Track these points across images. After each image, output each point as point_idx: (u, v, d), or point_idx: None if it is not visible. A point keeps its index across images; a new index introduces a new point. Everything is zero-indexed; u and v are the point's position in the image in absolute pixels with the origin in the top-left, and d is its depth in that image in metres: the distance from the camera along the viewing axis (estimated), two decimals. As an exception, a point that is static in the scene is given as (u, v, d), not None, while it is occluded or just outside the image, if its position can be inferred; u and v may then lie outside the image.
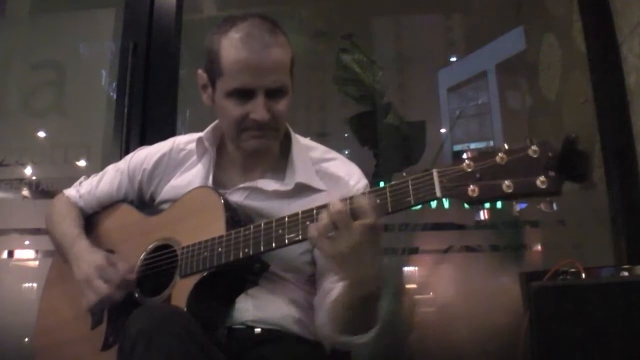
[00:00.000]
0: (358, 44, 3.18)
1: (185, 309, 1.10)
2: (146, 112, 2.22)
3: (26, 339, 2.02)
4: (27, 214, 2.27)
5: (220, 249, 1.12)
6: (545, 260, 2.56)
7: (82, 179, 1.52)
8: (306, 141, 1.38)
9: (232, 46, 1.18)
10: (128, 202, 1.42)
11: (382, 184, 0.98)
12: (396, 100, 3.30)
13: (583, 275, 1.41)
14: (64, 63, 2.64)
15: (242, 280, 1.18)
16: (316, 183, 1.27)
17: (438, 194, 0.90)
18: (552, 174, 0.81)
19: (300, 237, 1.05)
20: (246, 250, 1.10)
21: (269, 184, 1.28)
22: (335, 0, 3.54)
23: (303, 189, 1.26)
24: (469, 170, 0.88)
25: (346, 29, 3.32)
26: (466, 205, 0.90)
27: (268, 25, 1.19)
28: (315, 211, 1.02)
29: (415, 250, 2.39)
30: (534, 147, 0.83)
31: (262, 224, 1.10)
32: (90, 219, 1.45)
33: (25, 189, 2.50)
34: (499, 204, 0.90)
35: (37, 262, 2.35)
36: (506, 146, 0.86)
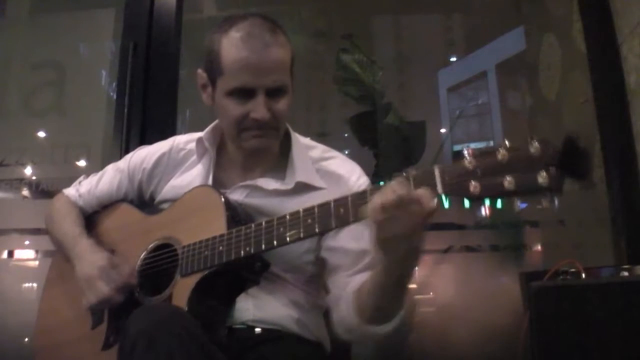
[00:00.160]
0: (358, 44, 3.18)
1: (186, 309, 1.10)
2: (146, 112, 2.22)
3: (26, 339, 2.02)
4: (27, 214, 2.27)
5: (221, 248, 1.12)
6: (545, 260, 2.57)
7: (81, 178, 1.52)
8: (306, 140, 1.38)
9: (232, 45, 1.17)
10: (128, 202, 1.42)
11: (382, 184, 0.98)
12: (396, 100, 3.30)
13: (583, 275, 1.41)
14: (64, 63, 2.65)
15: (242, 280, 1.18)
16: (316, 181, 1.27)
17: (440, 190, 0.90)
18: (553, 170, 0.81)
19: (301, 235, 1.05)
20: (247, 248, 1.10)
21: (270, 183, 1.28)
22: (335, 0, 3.55)
23: (303, 188, 1.26)
24: (470, 167, 0.88)
25: (346, 29, 3.32)
26: (467, 204, 0.90)
27: (268, 25, 1.19)
28: (368, 193, 0.97)
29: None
30: (535, 144, 0.83)
31: (263, 223, 1.10)
32: (90, 219, 1.44)
33: (25, 189, 2.50)
34: (499, 204, 0.90)
35: (37, 262, 2.35)
36: (507, 143, 0.86)
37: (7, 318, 2.17)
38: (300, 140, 1.35)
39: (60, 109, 2.61)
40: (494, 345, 2.11)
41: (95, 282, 1.20)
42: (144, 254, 1.27)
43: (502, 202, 0.88)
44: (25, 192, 2.50)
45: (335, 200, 1.01)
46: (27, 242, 2.33)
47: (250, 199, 1.27)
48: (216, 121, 1.33)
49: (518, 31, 3.32)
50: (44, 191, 2.46)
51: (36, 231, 2.23)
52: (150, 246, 1.27)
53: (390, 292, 1.04)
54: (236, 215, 1.19)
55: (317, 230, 1.03)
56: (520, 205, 0.89)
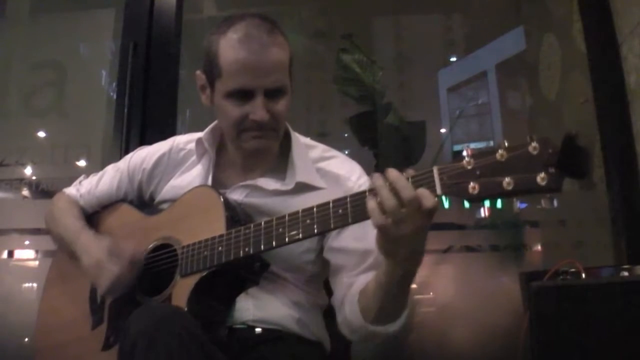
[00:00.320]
0: (358, 44, 3.18)
1: (185, 309, 1.10)
2: (146, 112, 2.22)
3: (26, 339, 2.03)
4: (27, 214, 2.27)
5: (220, 248, 1.12)
6: (545, 260, 2.56)
7: (81, 178, 1.52)
8: (306, 140, 1.37)
9: (230, 47, 1.17)
10: (128, 202, 1.42)
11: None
12: (396, 100, 3.30)
13: (583, 275, 1.41)
14: (64, 63, 2.65)
15: (242, 280, 1.18)
16: (317, 182, 1.27)
17: (439, 191, 0.90)
18: (552, 170, 0.81)
19: (300, 235, 1.05)
20: (247, 249, 1.10)
21: (270, 183, 1.28)
22: (335, 0, 3.55)
23: (303, 188, 1.26)
24: (469, 167, 0.87)
25: (346, 29, 3.32)
26: (466, 203, 0.89)
27: (266, 26, 1.19)
28: (367, 194, 0.96)
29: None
30: (534, 144, 0.83)
31: (263, 223, 1.10)
32: (90, 219, 1.44)
33: (25, 189, 2.50)
34: (499, 204, 0.90)
35: (37, 262, 2.35)
36: (506, 143, 0.85)
37: (7, 318, 2.17)
38: (300, 140, 1.34)
39: (60, 109, 2.61)
40: (494, 345, 2.11)
41: (105, 264, 1.20)
42: (143, 254, 1.27)
43: (502, 202, 0.89)
44: (25, 192, 2.50)
45: (334, 201, 1.01)
46: (27, 242, 2.33)
47: (250, 199, 1.27)
48: (215, 122, 1.33)
49: (518, 31, 3.32)
50: (44, 191, 2.46)
51: (36, 231, 2.23)
52: (150, 246, 1.27)
53: (393, 292, 1.04)
54: (235, 215, 1.18)
55: (316, 230, 1.03)
56: (520, 205, 0.89)
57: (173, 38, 2.31)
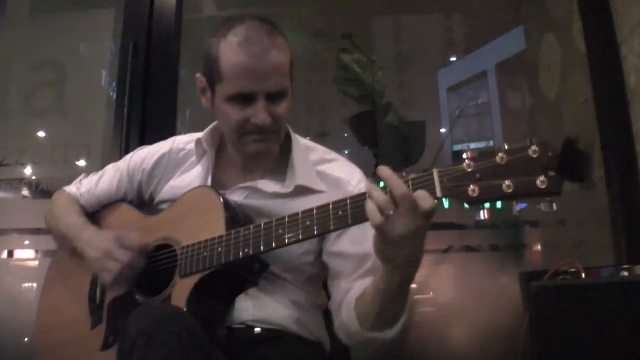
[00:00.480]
0: (358, 44, 3.18)
1: (185, 309, 1.10)
2: (146, 112, 2.22)
3: (26, 339, 2.03)
4: (27, 214, 2.27)
5: (220, 249, 1.12)
6: (545, 260, 2.56)
7: (81, 177, 1.52)
8: (307, 142, 1.37)
9: (231, 51, 1.16)
10: (128, 202, 1.43)
11: (382, 185, 0.98)
12: (396, 100, 3.29)
13: (583, 275, 1.41)
14: (64, 63, 2.65)
15: (242, 281, 1.18)
16: (317, 185, 1.27)
17: (439, 194, 0.90)
18: (552, 174, 0.81)
19: (300, 237, 1.05)
20: (246, 250, 1.10)
21: (269, 186, 1.27)
22: (335, 0, 3.54)
23: (303, 191, 1.26)
24: (470, 170, 0.87)
25: (346, 29, 3.31)
26: (466, 206, 0.89)
27: (266, 28, 1.18)
28: (366, 195, 0.96)
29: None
30: (534, 147, 0.83)
31: (262, 224, 1.10)
32: (90, 219, 1.44)
33: (25, 189, 2.50)
34: (499, 204, 0.90)
35: (37, 262, 2.35)
36: (506, 146, 0.85)
37: (7, 318, 2.17)
38: (300, 142, 1.34)
39: (60, 109, 2.61)
40: (494, 345, 2.11)
41: (112, 254, 1.21)
42: (150, 246, 1.26)
43: (502, 203, 0.89)
44: (25, 192, 2.50)
45: (334, 203, 1.01)
46: (27, 242, 2.33)
47: (249, 200, 1.27)
48: (215, 122, 1.32)
49: (518, 31, 3.31)
50: (44, 191, 2.46)
51: (36, 231, 2.23)
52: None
53: (391, 299, 1.04)
54: (235, 216, 1.19)
55: (315, 232, 1.03)
56: (519, 205, 0.89)
57: (173, 38, 2.30)
